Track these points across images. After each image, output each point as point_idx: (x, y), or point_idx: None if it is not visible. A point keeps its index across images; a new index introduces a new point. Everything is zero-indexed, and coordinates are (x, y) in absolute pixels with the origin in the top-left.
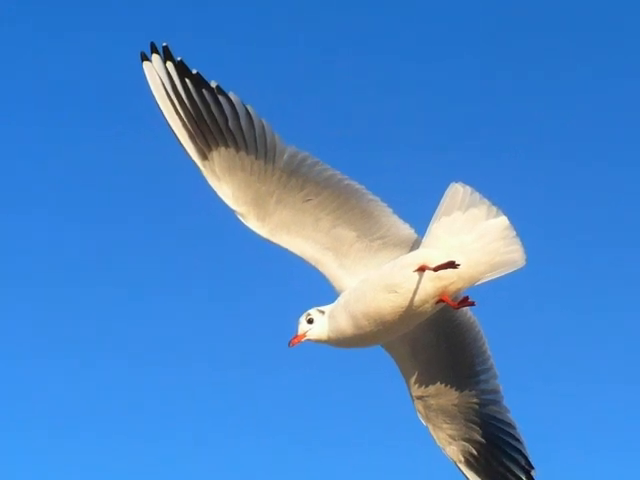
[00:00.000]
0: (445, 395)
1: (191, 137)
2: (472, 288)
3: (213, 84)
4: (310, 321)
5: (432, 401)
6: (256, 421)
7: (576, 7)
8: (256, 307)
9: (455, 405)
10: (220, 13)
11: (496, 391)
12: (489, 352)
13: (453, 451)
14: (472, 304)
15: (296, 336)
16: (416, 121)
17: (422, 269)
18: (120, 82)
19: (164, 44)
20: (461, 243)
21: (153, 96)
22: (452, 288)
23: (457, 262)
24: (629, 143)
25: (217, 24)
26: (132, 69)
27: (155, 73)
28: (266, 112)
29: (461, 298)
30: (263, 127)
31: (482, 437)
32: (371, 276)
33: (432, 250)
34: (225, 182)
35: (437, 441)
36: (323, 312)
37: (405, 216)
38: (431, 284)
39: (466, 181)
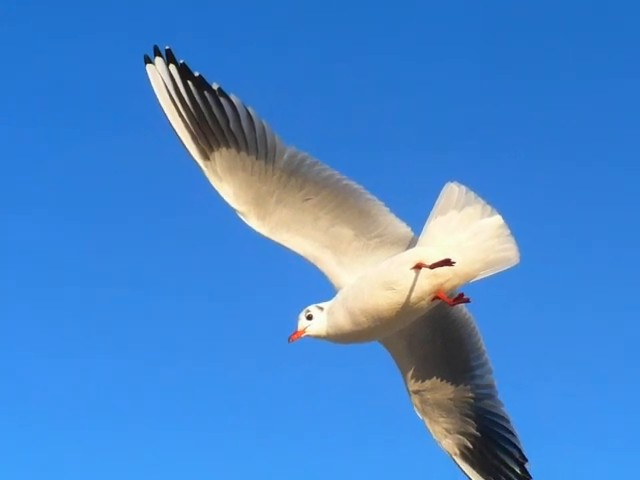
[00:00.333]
0: (441, 389)
1: (193, 138)
2: (467, 285)
3: (215, 86)
4: (309, 317)
5: (428, 395)
6: (256, 420)
7: (575, 7)
8: (256, 305)
9: (451, 399)
10: (220, 14)
11: (491, 385)
12: (484, 348)
13: (449, 444)
14: (467, 301)
15: (296, 332)
16: (415, 121)
17: (419, 267)
18: (120, 82)
19: (167, 47)
20: (457, 241)
21: (156, 98)
22: (448, 285)
23: (453, 260)
24: (627, 143)
25: (217, 24)
26: (132, 70)
27: (158, 76)
28: (266, 112)
29: (457, 295)
30: (264, 128)
31: (477, 430)
32: (369, 273)
33: (428, 248)
34: (226, 182)
35: (433, 434)
36: (322, 308)
37: (403, 215)
38: (427, 281)
39: (463, 181)
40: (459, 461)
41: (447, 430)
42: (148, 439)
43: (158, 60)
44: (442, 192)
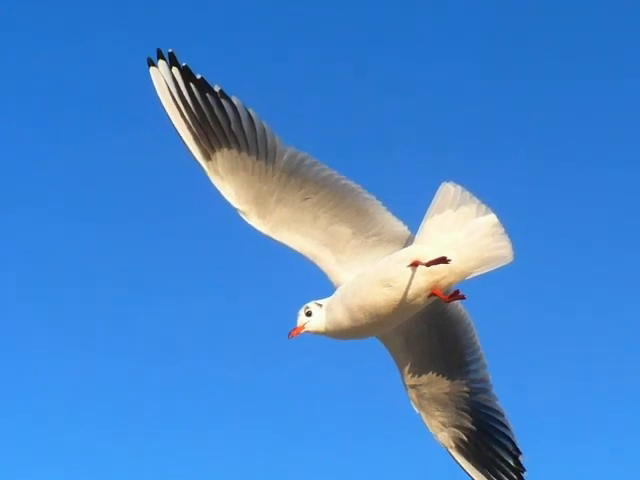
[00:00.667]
0: (437, 384)
1: (195, 139)
2: (463, 282)
3: (216, 88)
4: (308, 314)
5: (425, 390)
6: (256, 418)
7: (575, 8)
8: (256, 304)
9: (446, 393)
10: (221, 16)
11: (485, 380)
12: (479, 343)
13: (444, 437)
14: (462, 298)
15: (295, 328)
16: (414, 121)
17: (415, 264)
18: (120, 82)
19: (170, 50)
20: (452, 239)
21: (159, 100)
22: (444, 282)
23: (448, 257)
24: (624, 143)
25: (218, 25)
26: (132, 70)
27: (161, 78)
28: (266, 112)
29: (452, 292)
30: (264, 129)
31: (472, 424)
32: (367, 271)
33: (425, 246)
34: (228, 182)
35: (429, 428)
36: (321, 305)
37: (401, 214)
38: (424, 278)
39: (459, 181)
40: (455, 454)
41: (443, 424)
42: (148, 438)
43: (161, 63)
44: (438, 192)
